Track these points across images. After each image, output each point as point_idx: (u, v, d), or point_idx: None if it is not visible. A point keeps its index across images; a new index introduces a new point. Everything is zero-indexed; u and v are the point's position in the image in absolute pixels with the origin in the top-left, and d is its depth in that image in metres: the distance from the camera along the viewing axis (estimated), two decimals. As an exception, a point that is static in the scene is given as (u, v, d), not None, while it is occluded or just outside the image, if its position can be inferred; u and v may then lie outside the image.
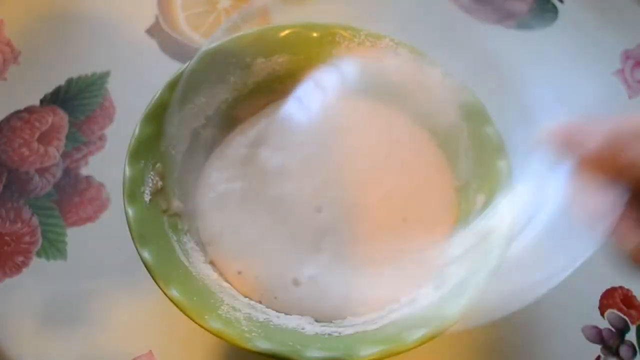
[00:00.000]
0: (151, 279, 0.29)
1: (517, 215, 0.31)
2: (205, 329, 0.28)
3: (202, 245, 0.34)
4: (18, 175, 0.39)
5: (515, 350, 0.36)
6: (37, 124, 0.41)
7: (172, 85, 0.34)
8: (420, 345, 0.28)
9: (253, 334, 0.29)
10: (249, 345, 0.28)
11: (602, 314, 0.37)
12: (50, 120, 0.41)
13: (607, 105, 0.45)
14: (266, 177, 0.35)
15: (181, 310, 0.29)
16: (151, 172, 0.33)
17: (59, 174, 0.40)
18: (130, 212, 0.31)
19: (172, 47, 0.45)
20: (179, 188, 0.34)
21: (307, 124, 0.37)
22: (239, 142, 0.37)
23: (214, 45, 0.36)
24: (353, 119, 0.38)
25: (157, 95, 0.34)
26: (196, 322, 0.28)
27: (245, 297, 0.32)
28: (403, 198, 0.35)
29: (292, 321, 0.31)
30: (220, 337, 0.28)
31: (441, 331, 0.29)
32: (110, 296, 0.36)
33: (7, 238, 0.37)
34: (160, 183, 0.33)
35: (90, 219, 0.38)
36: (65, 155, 0.40)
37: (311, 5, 0.47)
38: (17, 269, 0.37)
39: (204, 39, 0.46)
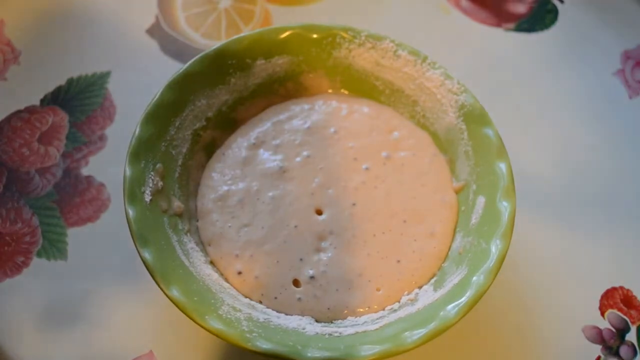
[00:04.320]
0: (151, 279, 0.29)
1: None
2: (205, 329, 0.28)
3: (202, 246, 0.34)
4: (18, 175, 0.39)
5: (515, 350, 0.36)
6: (37, 124, 0.41)
7: (172, 85, 0.34)
8: (420, 345, 0.28)
9: (253, 334, 0.29)
10: (249, 346, 0.28)
11: (602, 314, 0.37)
12: (50, 120, 0.41)
13: (607, 105, 0.45)
14: (266, 178, 0.35)
15: (181, 310, 0.29)
16: (152, 172, 0.33)
17: (59, 174, 0.40)
18: (130, 212, 0.31)
19: (172, 47, 0.45)
20: (179, 188, 0.34)
21: (307, 125, 0.37)
22: (239, 144, 0.37)
23: (214, 46, 0.36)
24: (353, 120, 0.38)
25: (158, 95, 0.34)
26: (196, 322, 0.28)
27: (246, 297, 0.32)
28: (403, 199, 0.35)
29: (292, 321, 0.31)
30: (221, 337, 0.28)
31: (441, 331, 0.29)
32: (111, 296, 0.36)
33: (7, 238, 0.37)
34: (160, 183, 0.33)
35: (90, 219, 0.38)
36: (65, 155, 0.40)
37: (311, 6, 0.48)
38: (18, 269, 0.37)
39: (204, 39, 0.46)
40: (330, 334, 0.30)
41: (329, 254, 0.33)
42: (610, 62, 0.47)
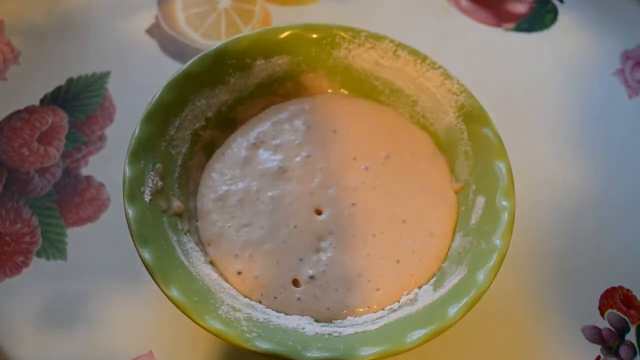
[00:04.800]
0: (151, 279, 0.29)
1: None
2: (205, 329, 0.28)
3: (202, 245, 0.34)
4: (18, 175, 0.39)
5: (515, 350, 0.36)
6: (37, 124, 0.41)
7: (172, 85, 0.34)
8: (420, 345, 0.28)
9: (253, 334, 0.29)
10: (248, 345, 0.28)
11: (602, 314, 0.37)
12: (50, 120, 0.41)
13: (607, 105, 0.45)
14: (266, 178, 0.35)
15: (181, 310, 0.29)
16: (151, 172, 0.33)
17: (59, 174, 0.40)
18: (130, 212, 0.31)
19: (172, 47, 0.45)
20: (179, 188, 0.34)
21: (307, 125, 0.37)
22: (239, 144, 0.37)
23: (214, 46, 0.36)
24: (353, 120, 0.38)
25: (157, 95, 0.34)
26: (196, 322, 0.28)
27: (246, 297, 0.32)
28: (403, 199, 0.35)
29: (292, 321, 0.31)
30: (220, 337, 0.28)
31: (441, 331, 0.29)
32: (110, 296, 0.36)
33: (7, 238, 0.37)
34: (160, 183, 0.33)
35: (90, 219, 0.38)
36: (65, 155, 0.40)
37: (311, 6, 0.48)
38: (17, 269, 0.37)
39: (204, 39, 0.46)
40: (329, 334, 0.30)
41: (329, 254, 0.33)
42: (610, 62, 0.47)
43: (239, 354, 0.34)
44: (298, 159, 0.36)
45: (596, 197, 0.41)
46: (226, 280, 0.33)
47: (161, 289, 0.29)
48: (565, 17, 0.48)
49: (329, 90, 0.39)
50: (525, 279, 0.38)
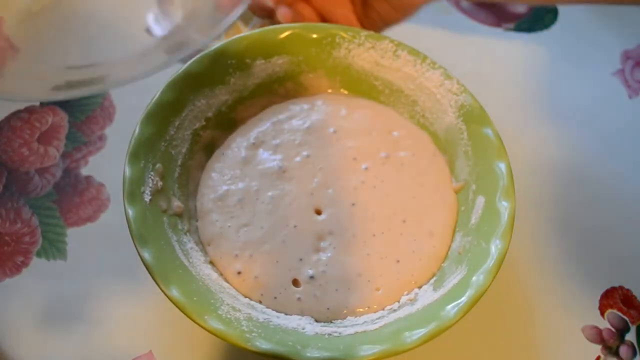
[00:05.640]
0: (151, 279, 0.29)
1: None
2: (205, 329, 0.28)
3: (202, 245, 0.34)
4: (18, 175, 0.39)
5: (515, 350, 0.36)
6: (37, 124, 0.41)
7: (172, 85, 0.34)
8: (420, 345, 0.28)
9: (253, 334, 0.29)
10: (248, 345, 0.28)
11: (602, 314, 0.37)
12: (50, 120, 0.41)
13: (607, 105, 0.45)
14: (266, 178, 0.35)
15: (181, 310, 0.29)
16: (151, 172, 0.33)
17: (59, 174, 0.40)
18: (130, 212, 0.31)
19: (172, 47, 0.45)
20: (179, 188, 0.34)
21: (306, 125, 0.37)
22: (239, 144, 0.37)
23: (214, 46, 0.36)
24: (353, 120, 0.38)
25: (157, 95, 0.34)
26: (196, 322, 0.28)
27: (246, 297, 0.32)
28: (403, 199, 0.35)
29: (292, 321, 0.31)
30: (220, 337, 0.28)
31: (441, 331, 0.29)
32: (110, 296, 0.36)
33: (7, 238, 0.37)
34: (160, 183, 0.33)
35: (90, 219, 0.38)
36: (65, 155, 0.40)
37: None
38: (17, 269, 0.37)
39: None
40: (329, 334, 0.30)
41: (329, 254, 0.33)
42: (610, 62, 0.47)
43: (239, 354, 0.34)
44: (298, 159, 0.36)
45: (596, 197, 0.41)
46: (226, 280, 0.33)
47: (161, 289, 0.29)
48: (565, 17, 0.48)
49: (329, 90, 0.39)
50: (525, 279, 0.38)
